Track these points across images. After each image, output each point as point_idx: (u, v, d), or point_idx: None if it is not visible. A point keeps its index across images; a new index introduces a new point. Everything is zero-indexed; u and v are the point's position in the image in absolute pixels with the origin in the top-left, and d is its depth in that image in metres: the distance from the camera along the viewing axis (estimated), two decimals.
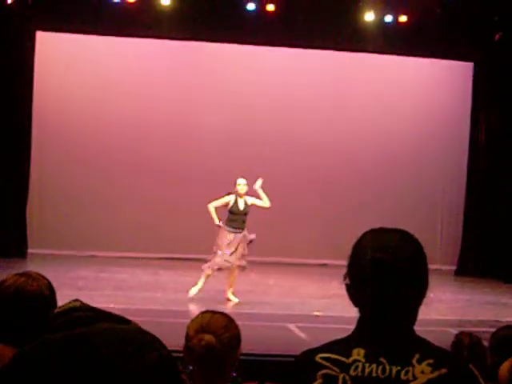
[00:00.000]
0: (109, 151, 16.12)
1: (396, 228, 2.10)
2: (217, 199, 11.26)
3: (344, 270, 2.09)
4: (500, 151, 16.08)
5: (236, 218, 11.15)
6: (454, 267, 16.56)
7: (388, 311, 2.00)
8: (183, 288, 11.14)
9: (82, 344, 1.34)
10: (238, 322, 3.05)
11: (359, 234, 2.11)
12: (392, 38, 15.34)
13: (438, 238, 16.95)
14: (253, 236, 11.23)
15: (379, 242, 2.03)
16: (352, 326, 2.07)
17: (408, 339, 2.02)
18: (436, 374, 1.94)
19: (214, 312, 3.03)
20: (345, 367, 1.97)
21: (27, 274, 2.92)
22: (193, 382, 2.91)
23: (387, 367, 1.96)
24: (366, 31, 15.15)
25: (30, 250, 15.26)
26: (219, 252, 11.02)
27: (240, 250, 11.10)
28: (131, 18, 14.80)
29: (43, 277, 2.94)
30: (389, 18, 15.25)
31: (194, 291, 11.05)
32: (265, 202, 11.33)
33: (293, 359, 2.10)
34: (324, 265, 15.81)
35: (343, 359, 1.98)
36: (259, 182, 11.38)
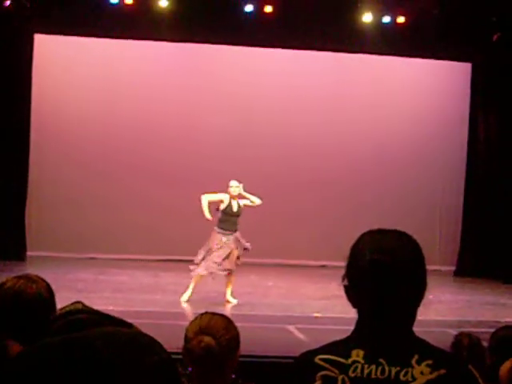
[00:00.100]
0: (107, 153, 16.11)
1: (394, 229, 2.11)
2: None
3: (343, 272, 2.09)
4: (499, 152, 16.10)
5: (228, 219, 11.11)
6: (453, 268, 16.57)
7: (387, 312, 2.00)
8: (183, 290, 11.14)
9: (83, 347, 1.34)
10: (237, 324, 3.05)
11: (358, 235, 2.11)
12: (390, 39, 15.34)
13: (437, 239, 16.95)
14: (248, 245, 11.19)
15: (377, 244, 2.04)
16: (351, 327, 2.07)
17: (407, 340, 2.02)
18: (435, 374, 1.95)
19: (213, 314, 3.04)
20: (344, 368, 1.97)
21: (26, 277, 2.92)
22: None
23: (386, 368, 1.96)
24: (364, 32, 15.14)
25: (28, 253, 15.24)
26: (211, 255, 10.95)
27: (235, 254, 11.05)
28: (129, 21, 14.79)
29: (42, 279, 2.94)
30: (387, 19, 15.24)
31: (185, 297, 11.02)
32: (254, 200, 11.31)
33: (292, 361, 2.11)
34: (323, 266, 15.79)
35: (342, 360, 1.98)
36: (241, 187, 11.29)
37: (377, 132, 16.83)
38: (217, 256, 10.91)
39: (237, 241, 11.10)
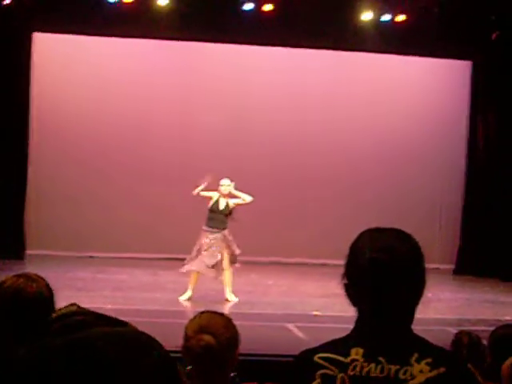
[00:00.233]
0: (106, 152, 16.11)
1: (393, 227, 2.11)
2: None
3: (343, 270, 2.09)
4: (498, 150, 16.09)
5: (214, 217, 11.11)
6: (453, 266, 16.57)
7: (386, 310, 2.01)
8: (182, 288, 11.14)
9: (83, 348, 1.35)
10: (237, 322, 3.05)
11: (357, 233, 2.11)
12: (389, 38, 15.33)
13: (437, 237, 16.93)
14: (238, 251, 11.19)
15: (376, 242, 2.04)
16: (351, 326, 2.07)
17: (406, 338, 2.02)
18: (434, 372, 1.95)
19: (212, 312, 3.04)
20: (343, 367, 1.97)
21: (26, 276, 2.92)
22: (191, 383, 2.91)
23: (386, 366, 1.96)
24: (363, 30, 15.14)
25: (28, 252, 15.24)
26: (201, 254, 10.98)
27: (224, 254, 11.03)
28: (128, 19, 14.77)
29: (42, 278, 2.94)
30: (386, 18, 15.24)
31: (185, 297, 11.03)
32: (245, 198, 11.30)
33: (292, 359, 2.11)
34: (323, 264, 15.79)
35: (341, 359, 1.98)
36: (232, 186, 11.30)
37: (376, 131, 16.82)
38: (205, 256, 10.93)
39: (225, 239, 11.07)
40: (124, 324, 1.58)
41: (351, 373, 1.97)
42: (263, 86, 16.48)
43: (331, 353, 2.00)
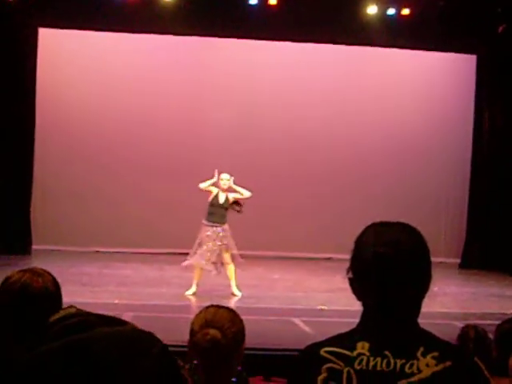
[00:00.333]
0: (112, 148, 16.12)
1: (398, 221, 2.10)
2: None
3: (348, 264, 2.09)
4: (504, 143, 16.06)
5: (214, 211, 11.13)
6: (459, 260, 16.56)
7: (391, 304, 2.00)
8: (188, 283, 11.15)
9: (82, 350, 1.35)
10: (243, 317, 3.05)
11: (363, 227, 2.11)
12: (395, 31, 15.30)
13: (442, 231, 16.93)
14: (235, 250, 11.20)
15: (382, 236, 2.04)
16: (356, 320, 2.07)
17: (412, 332, 2.02)
18: (441, 366, 1.94)
19: (218, 307, 3.04)
20: (349, 361, 1.97)
21: (32, 271, 2.92)
22: (197, 377, 2.92)
23: (392, 360, 1.96)
24: (368, 24, 15.11)
25: (34, 247, 15.28)
26: (201, 248, 10.99)
27: (224, 248, 11.04)
28: (134, 14, 14.77)
29: (48, 273, 2.94)
30: (392, 11, 15.21)
31: (190, 292, 11.05)
32: (244, 193, 11.30)
33: (297, 353, 2.11)
34: (329, 259, 15.81)
35: (348, 353, 1.98)
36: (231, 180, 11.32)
37: (381, 125, 16.80)
38: (205, 250, 10.94)
39: (226, 234, 11.08)
40: (123, 323, 1.57)
41: (357, 367, 1.97)
42: (271, 82, 16.48)
43: (337, 347, 2.00)
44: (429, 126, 16.95)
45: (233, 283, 11.17)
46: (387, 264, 1.99)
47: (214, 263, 10.99)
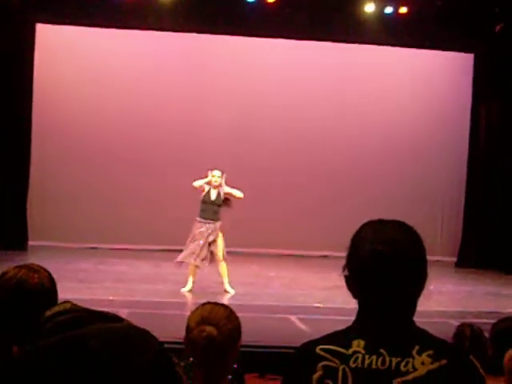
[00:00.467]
0: (108, 147, 16.12)
1: (394, 219, 2.10)
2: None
3: (344, 262, 2.09)
4: (500, 144, 16.07)
5: (207, 208, 11.15)
6: (455, 259, 16.58)
7: (387, 303, 2.00)
8: (184, 280, 11.15)
9: (77, 347, 1.34)
10: (239, 314, 3.05)
11: (359, 225, 2.11)
12: (392, 30, 15.31)
13: (439, 230, 16.96)
14: (224, 249, 11.22)
15: (378, 234, 2.04)
16: (352, 318, 2.07)
17: (408, 330, 2.02)
18: (436, 365, 1.95)
19: (214, 304, 3.04)
20: (345, 359, 1.97)
21: (28, 267, 2.92)
22: (193, 374, 2.92)
23: (387, 358, 1.96)
24: (366, 22, 15.11)
25: (30, 243, 15.27)
26: (192, 245, 11.00)
27: (216, 244, 11.03)
28: (132, 10, 14.75)
29: (44, 269, 2.94)
30: (389, 10, 15.22)
31: (186, 289, 11.05)
32: (235, 194, 11.30)
33: (293, 351, 2.11)
34: (325, 256, 15.82)
35: (343, 351, 1.98)
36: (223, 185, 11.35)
37: (379, 125, 16.81)
38: (196, 245, 10.94)
39: (218, 231, 11.08)
40: (119, 320, 1.57)
41: (353, 365, 1.97)
42: (271, 83, 16.48)
43: (333, 344, 2.00)
44: (425, 125, 16.95)
45: (225, 280, 11.16)
46: (385, 262, 1.99)
47: (204, 259, 10.98)
